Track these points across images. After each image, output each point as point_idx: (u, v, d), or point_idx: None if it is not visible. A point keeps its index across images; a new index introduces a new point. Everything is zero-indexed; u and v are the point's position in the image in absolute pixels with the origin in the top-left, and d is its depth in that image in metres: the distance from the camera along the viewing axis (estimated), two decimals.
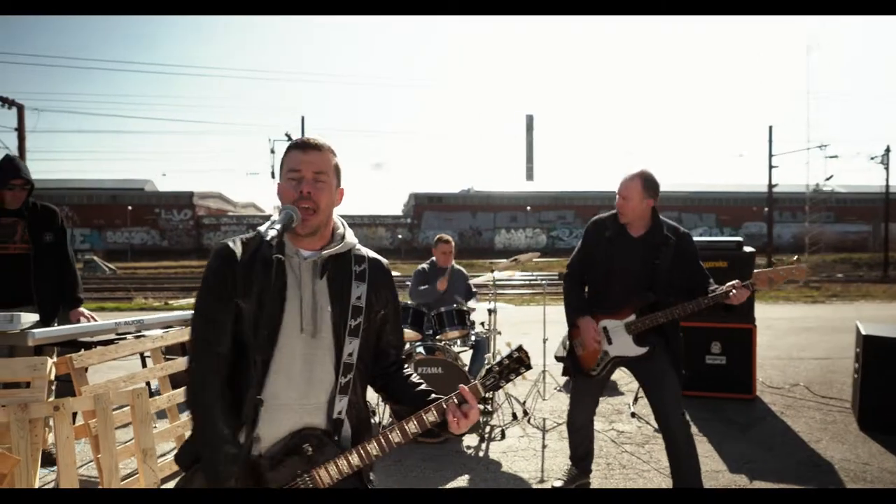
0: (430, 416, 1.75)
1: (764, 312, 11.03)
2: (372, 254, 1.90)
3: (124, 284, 23.90)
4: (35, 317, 3.73)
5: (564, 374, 3.74)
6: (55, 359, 3.53)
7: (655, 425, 4.96)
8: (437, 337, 4.98)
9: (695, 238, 5.70)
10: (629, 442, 4.69)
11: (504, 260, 6.15)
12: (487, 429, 4.87)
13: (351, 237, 1.84)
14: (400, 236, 48.82)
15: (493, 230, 51.28)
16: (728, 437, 4.74)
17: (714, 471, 4.18)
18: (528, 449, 4.51)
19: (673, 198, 49.05)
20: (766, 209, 30.75)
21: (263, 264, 1.51)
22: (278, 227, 1.56)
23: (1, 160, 4.06)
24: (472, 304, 5.58)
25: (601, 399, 5.64)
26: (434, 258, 5.88)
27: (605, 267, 3.44)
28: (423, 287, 5.55)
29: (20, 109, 24.77)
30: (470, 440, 4.67)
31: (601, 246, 3.47)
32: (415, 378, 1.91)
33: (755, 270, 3.31)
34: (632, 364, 3.47)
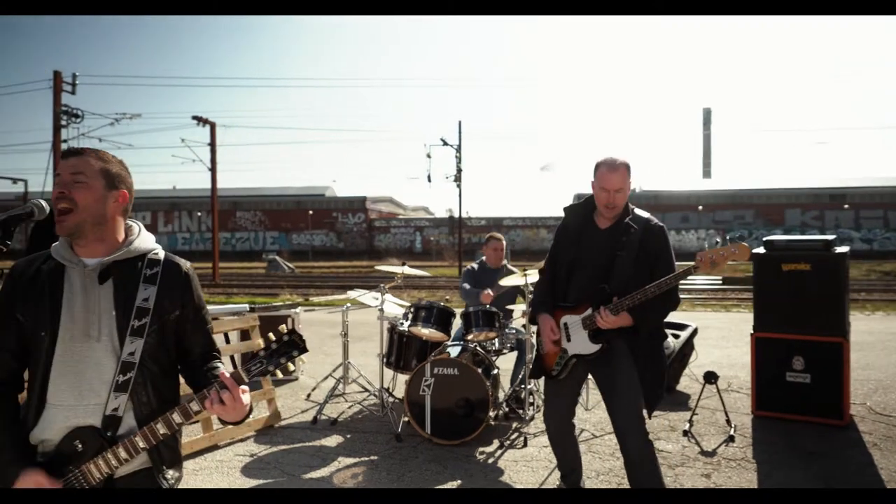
0: (194, 405, 1.76)
1: (861, 325, 9.15)
2: (175, 258, 1.94)
3: (296, 282, 26.12)
4: None
5: (531, 376, 3.47)
6: None
7: (707, 447, 4.45)
8: (468, 338, 4.88)
9: (774, 237, 5.04)
10: (661, 463, 4.16)
11: None
12: (514, 435, 4.67)
13: (143, 242, 1.88)
14: None
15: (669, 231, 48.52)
16: (784, 467, 4.09)
17: None
18: (544, 460, 4.25)
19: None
20: None
21: (45, 276, 1.74)
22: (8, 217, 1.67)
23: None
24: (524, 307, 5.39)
25: (658, 412, 5.19)
26: (484, 257, 5.76)
27: (570, 259, 3.19)
28: (467, 287, 5.45)
29: (212, 126, 28.12)
30: (489, 445, 4.52)
31: (568, 237, 3.24)
32: (216, 371, 1.92)
33: (698, 252, 2.85)
34: (592, 366, 3.15)
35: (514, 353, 5.29)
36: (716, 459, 4.25)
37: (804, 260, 4.84)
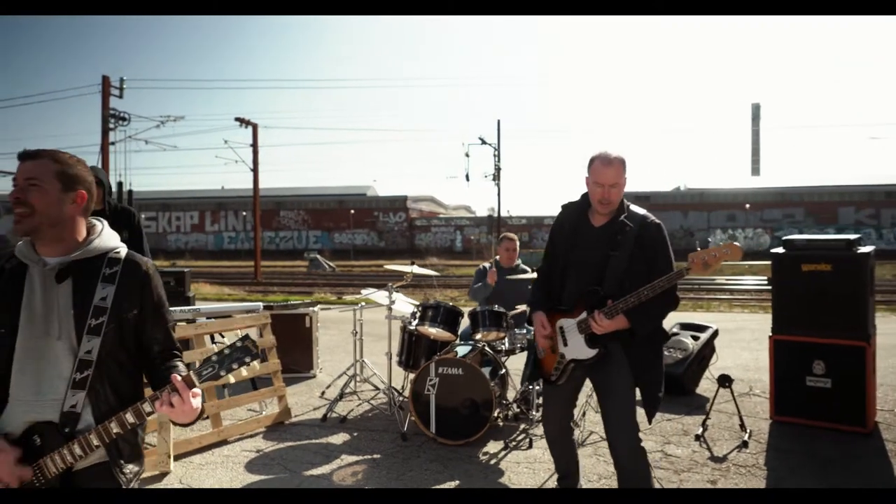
0: (147, 406, 1.80)
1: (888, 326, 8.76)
2: (137, 258, 1.98)
3: (336, 280, 26.46)
4: None
5: (529, 378, 3.42)
6: None
7: (718, 452, 4.33)
8: (476, 337, 4.85)
9: (792, 237, 4.87)
10: (668, 467, 4.12)
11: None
12: (520, 436, 4.63)
13: (103, 242, 1.92)
14: None
15: (708, 230, 47.36)
16: (796, 475, 3.94)
17: None
18: (546, 462, 4.19)
19: None
20: None
21: (8, 275, 1.82)
22: None
23: None
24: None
25: (673, 416, 5.08)
26: (498, 257, 5.73)
27: (564, 258, 3.12)
28: (476, 285, 5.43)
29: (254, 128, 28.71)
30: (494, 446, 4.49)
31: (563, 235, 3.16)
32: (176, 369, 1.95)
33: (690, 253, 2.75)
34: (589, 371, 3.09)
35: (526, 353, 5.23)
36: (725, 465, 4.13)
37: (824, 260, 4.66)
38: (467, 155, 31.35)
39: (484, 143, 31.10)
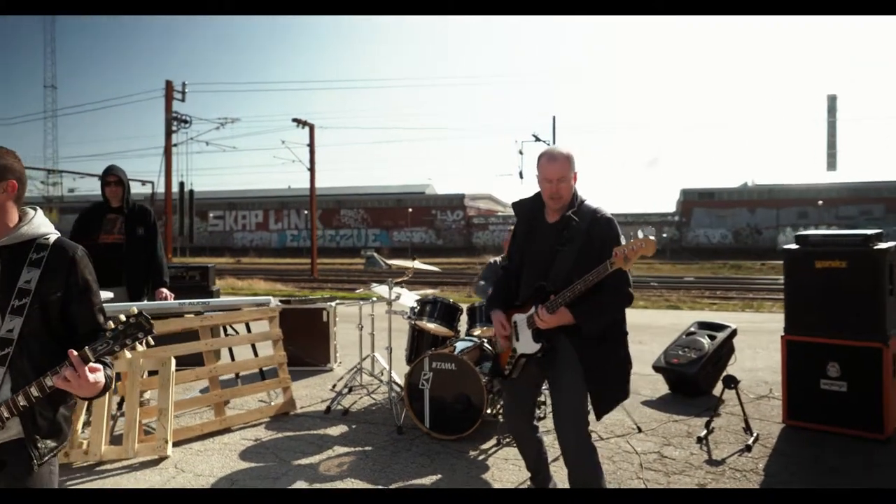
0: (48, 380, 1.90)
1: None
2: (66, 244, 2.08)
3: (390, 277, 26.71)
4: (106, 294, 4.64)
5: (490, 375, 3.37)
6: None
7: (718, 455, 4.19)
8: (475, 333, 4.84)
9: (808, 232, 4.65)
10: (659, 469, 4.00)
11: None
12: None
13: (32, 228, 2.04)
14: (665, 235, 46.12)
15: (776, 228, 45.41)
16: (796, 482, 3.76)
17: None
18: None
19: None
20: None
21: None
22: None
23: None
24: None
25: (681, 417, 4.93)
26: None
27: (520, 255, 3.14)
28: (481, 283, 5.41)
29: (311, 128, 29.41)
30: (486, 442, 4.47)
31: (521, 232, 3.17)
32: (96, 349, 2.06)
33: (616, 247, 2.66)
34: (541, 366, 3.05)
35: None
36: (720, 469, 3.98)
37: (839, 257, 4.41)
38: (521, 152, 31.28)
39: (538, 139, 30.85)
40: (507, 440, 4.48)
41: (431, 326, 4.84)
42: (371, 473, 3.94)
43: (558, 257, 2.92)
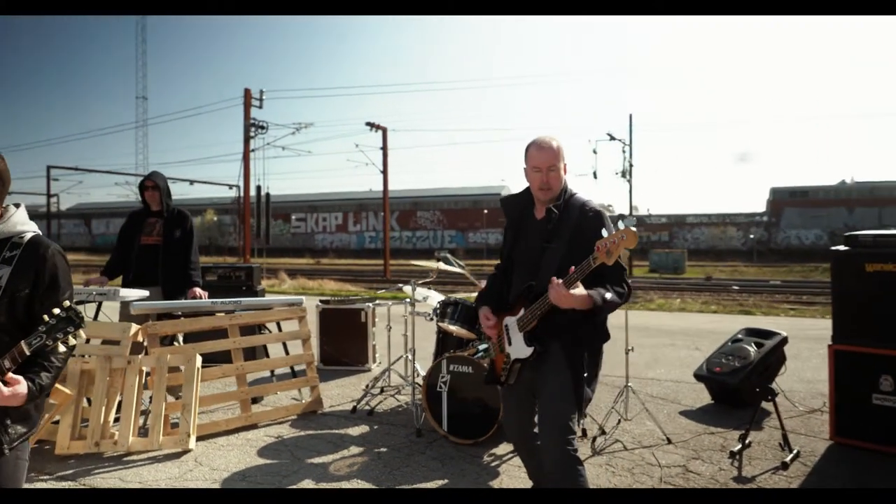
0: None
1: None
2: (41, 242, 2.18)
3: (463, 279, 26.79)
4: (141, 293, 4.86)
5: (485, 382, 3.22)
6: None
7: (749, 473, 3.92)
8: None
9: (858, 232, 4.28)
10: (681, 485, 3.76)
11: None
12: None
13: (7, 227, 2.14)
14: (752, 236, 43.87)
15: (879, 229, 42.26)
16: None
17: None
18: None
19: None
20: None
21: None
22: None
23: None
24: None
25: (720, 429, 4.65)
26: None
27: (509, 254, 3.03)
28: None
29: (384, 131, 29.88)
30: (503, 447, 4.35)
31: (511, 230, 3.05)
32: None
33: (598, 241, 2.47)
34: (534, 371, 2.90)
35: None
36: (748, 487, 3.70)
37: (893, 259, 4.02)
38: (595, 152, 30.57)
39: (612, 138, 30.09)
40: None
41: (453, 328, 4.77)
42: (379, 475, 3.92)
43: (546, 254, 2.79)
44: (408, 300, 5.86)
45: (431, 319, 4.99)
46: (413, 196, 55.54)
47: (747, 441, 4.21)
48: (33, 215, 2.29)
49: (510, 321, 2.92)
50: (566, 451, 2.69)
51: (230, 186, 46.35)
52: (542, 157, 2.80)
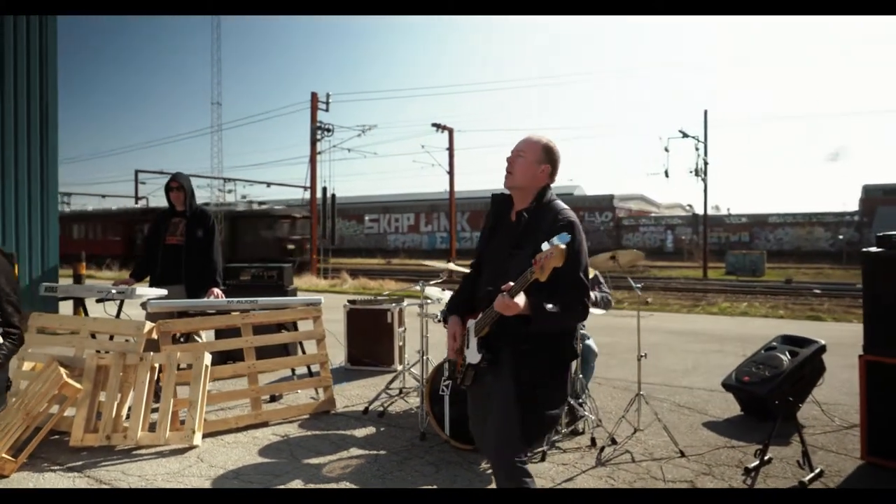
0: None
1: None
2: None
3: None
4: (159, 291, 5.03)
5: (446, 378, 3.11)
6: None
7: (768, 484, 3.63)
8: None
9: (891, 232, 3.91)
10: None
11: None
12: (545, 446, 4.29)
13: None
14: (841, 237, 41.20)
15: None
16: None
17: None
18: (548, 478, 3.84)
19: None
20: None
21: None
22: None
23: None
24: (596, 311, 4.95)
25: (742, 444, 4.37)
26: None
27: (481, 256, 2.93)
28: None
29: (450, 132, 30.02)
30: None
31: (487, 229, 2.94)
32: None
33: (537, 254, 2.30)
34: (489, 377, 2.77)
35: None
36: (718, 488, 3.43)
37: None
38: (666, 150, 29.57)
39: (685, 136, 29.01)
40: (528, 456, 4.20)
41: None
42: (369, 478, 3.88)
43: (514, 261, 2.65)
44: (426, 300, 5.81)
45: (439, 321, 4.91)
46: (484, 197, 55.29)
47: (767, 457, 3.91)
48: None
49: (471, 324, 2.82)
50: (511, 466, 2.56)
51: (304, 188, 48.16)
52: (517, 144, 2.75)
